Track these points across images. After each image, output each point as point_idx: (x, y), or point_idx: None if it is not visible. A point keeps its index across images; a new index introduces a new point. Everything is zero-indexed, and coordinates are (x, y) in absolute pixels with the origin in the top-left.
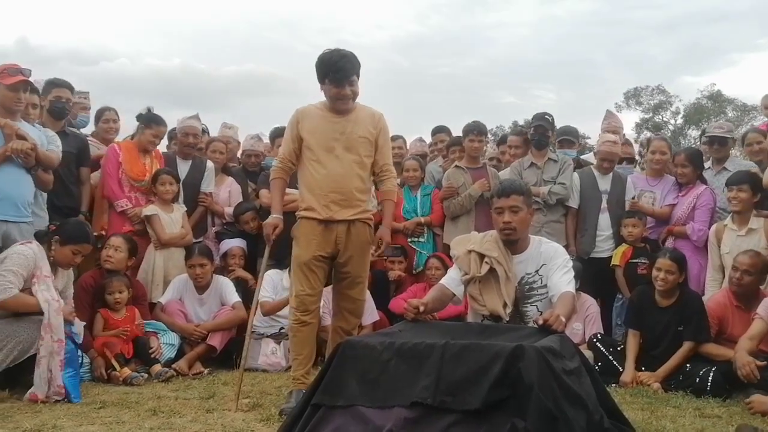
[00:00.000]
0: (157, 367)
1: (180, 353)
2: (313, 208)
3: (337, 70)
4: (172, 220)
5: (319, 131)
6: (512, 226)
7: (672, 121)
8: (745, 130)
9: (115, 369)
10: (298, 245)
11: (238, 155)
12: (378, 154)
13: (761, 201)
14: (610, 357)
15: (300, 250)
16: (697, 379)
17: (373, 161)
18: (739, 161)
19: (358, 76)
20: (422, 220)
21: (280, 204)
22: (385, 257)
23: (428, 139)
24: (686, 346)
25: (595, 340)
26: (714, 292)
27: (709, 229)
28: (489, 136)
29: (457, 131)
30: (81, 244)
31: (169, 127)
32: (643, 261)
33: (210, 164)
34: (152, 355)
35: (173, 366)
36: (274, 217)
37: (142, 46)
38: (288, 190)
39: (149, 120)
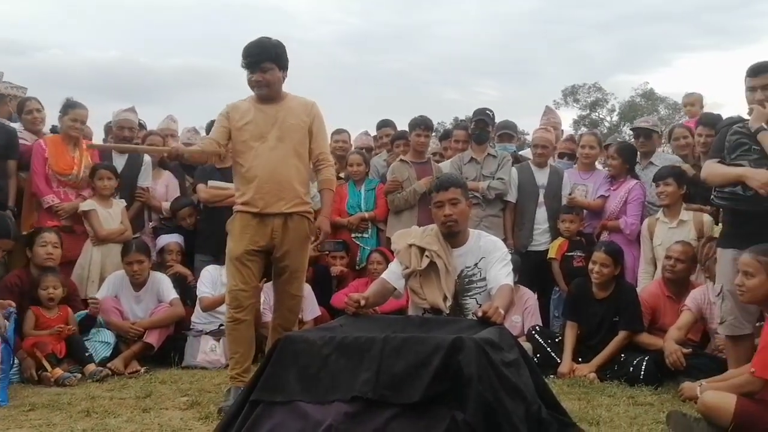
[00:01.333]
0: (92, 367)
1: (116, 352)
2: (247, 201)
3: (247, 56)
4: (111, 215)
5: (252, 122)
6: (453, 218)
7: (608, 118)
8: (672, 126)
9: (46, 369)
10: (232, 239)
11: None
12: (314, 143)
13: (690, 194)
14: (548, 349)
15: (233, 244)
16: (631, 368)
17: (309, 150)
18: (664, 156)
19: (279, 65)
20: (366, 215)
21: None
22: (327, 252)
23: (373, 133)
24: (621, 335)
25: (533, 332)
26: (646, 284)
27: (640, 222)
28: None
29: (401, 126)
30: (1, 240)
31: (106, 121)
32: (578, 254)
33: (147, 158)
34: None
35: (108, 365)
36: None
37: (77, 36)
38: (224, 184)
39: (66, 107)
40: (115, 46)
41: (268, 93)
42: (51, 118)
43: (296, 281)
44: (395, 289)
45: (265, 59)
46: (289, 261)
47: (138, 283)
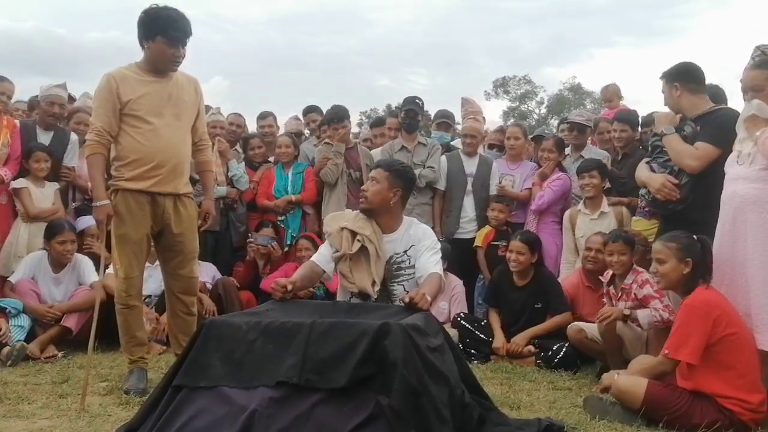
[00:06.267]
0: (7, 351)
1: (31, 336)
2: (138, 178)
3: (177, 29)
4: (44, 195)
5: (146, 96)
6: (365, 194)
7: (537, 111)
8: (596, 119)
9: None
10: (125, 222)
11: None
12: (198, 122)
13: (609, 188)
14: (476, 331)
15: (128, 229)
16: (550, 353)
17: (193, 129)
18: (595, 150)
19: None
20: (293, 198)
21: (104, 185)
22: (258, 246)
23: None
24: (561, 317)
25: (458, 317)
26: (568, 274)
27: (553, 202)
28: (364, 117)
29: None
30: None
31: (24, 95)
32: (503, 244)
33: (74, 137)
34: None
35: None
36: (106, 204)
37: None
38: None
39: None
40: (31, 17)
41: (174, 70)
42: None
43: (190, 263)
44: (324, 272)
45: (189, 35)
46: (184, 245)
47: (58, 265)
